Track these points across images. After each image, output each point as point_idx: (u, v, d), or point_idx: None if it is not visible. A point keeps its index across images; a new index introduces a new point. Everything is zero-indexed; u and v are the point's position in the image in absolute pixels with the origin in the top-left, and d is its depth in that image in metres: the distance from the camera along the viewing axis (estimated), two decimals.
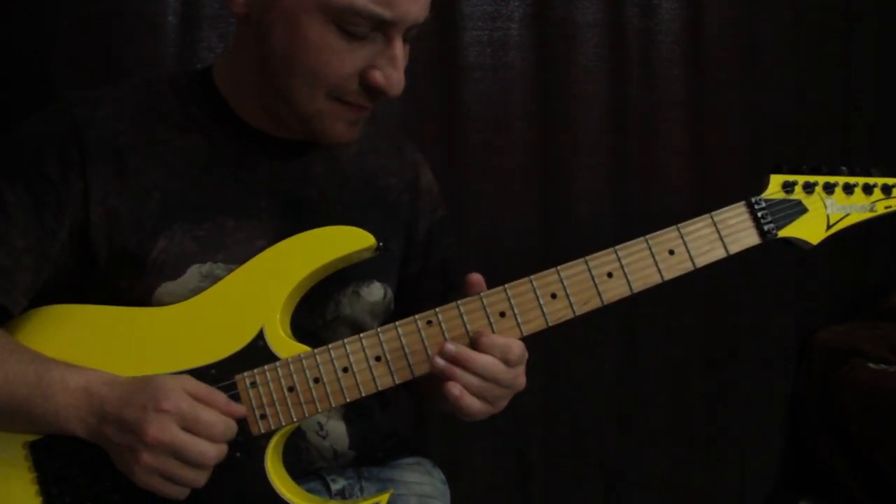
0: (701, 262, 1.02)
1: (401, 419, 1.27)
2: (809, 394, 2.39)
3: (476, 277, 1.01)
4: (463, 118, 1.92)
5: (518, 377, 1.01)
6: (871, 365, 2.23)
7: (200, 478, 0.93)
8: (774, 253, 1.33)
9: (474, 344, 0.98)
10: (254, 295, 1.00)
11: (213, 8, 1.65)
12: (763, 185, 1.05)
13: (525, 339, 1.01)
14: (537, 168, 2.01)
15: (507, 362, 0.97)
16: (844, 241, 1.11)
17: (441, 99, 1.90)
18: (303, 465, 1.10)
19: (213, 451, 0.92)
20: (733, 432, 2.34)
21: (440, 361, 0.97)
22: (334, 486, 1.12)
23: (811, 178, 1.05)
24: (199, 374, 0.97)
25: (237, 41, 1.08)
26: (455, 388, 0.96)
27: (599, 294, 1.01)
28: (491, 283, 1.04)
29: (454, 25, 1.89)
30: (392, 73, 0.99)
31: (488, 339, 0.97)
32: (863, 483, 2.25)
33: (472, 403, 0.97)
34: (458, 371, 0.96)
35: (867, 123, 2.49)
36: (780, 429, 2.43)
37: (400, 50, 0.99)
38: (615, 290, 1.01)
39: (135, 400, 0.92)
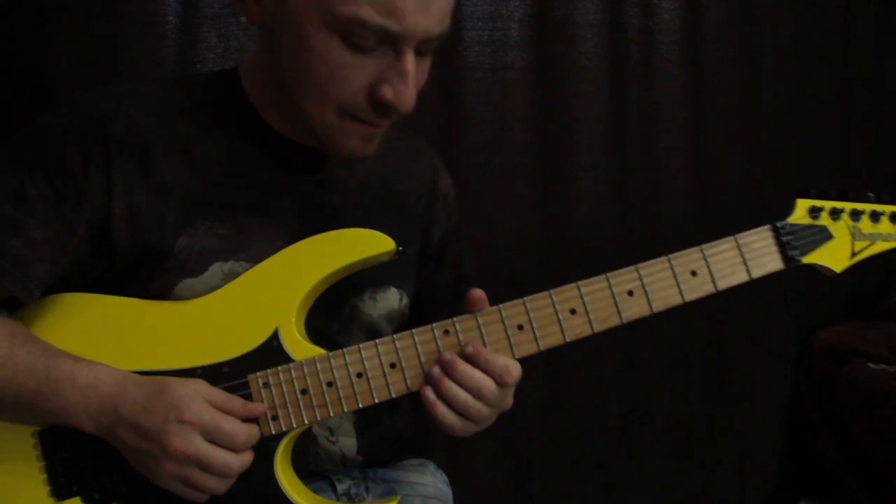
0: (723, 284, 0.99)
1: (405, 422, 1.27)
2: (809, 394, 2.39)
3: (478, 294, 0.98)
4: (463, 118, 1.91)
5: (507, 397, 0.99)
6: (871, 365, 2.23)
7: (223, 486, 0.93)
8: None
9: (473, 359, 0.95)
10: (270, 294, 0.98)
11: (213, 8, 1.64)
12: (789, 209, 1.02)
13: None
14: (537, 168, 2.00)
15: (501, 384, 0.95)
16: None
17: (441, 99, 1.89)
18: (311, 467, 1.10)
19: (237, 463, 0.92)
20: (733, 432, 2.34)
21: (435, 369, 0.95)
22: (340, 487, 1.12)
23: (838, 205, 1.01)
24: (212, 371, 0.96)
25: (260, 46, 1.04)
26: (430, 393, 0.95)
27: (619, 312, 0.98)
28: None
29: (454, 25, 1.87)
30: (402, 89, 0.94)
31: (489, 357, 0.95)
32: (863, 483, 2.25)
33: (447, 414, 0.95)
34: (445, 380, 0.94)
35: (867, 123, 2.49)
36: (781, 428, 2.43)
37: (410, 64, 0.93)
38: (635, 309, 0.98)
39: (153, 407, 0.91)
